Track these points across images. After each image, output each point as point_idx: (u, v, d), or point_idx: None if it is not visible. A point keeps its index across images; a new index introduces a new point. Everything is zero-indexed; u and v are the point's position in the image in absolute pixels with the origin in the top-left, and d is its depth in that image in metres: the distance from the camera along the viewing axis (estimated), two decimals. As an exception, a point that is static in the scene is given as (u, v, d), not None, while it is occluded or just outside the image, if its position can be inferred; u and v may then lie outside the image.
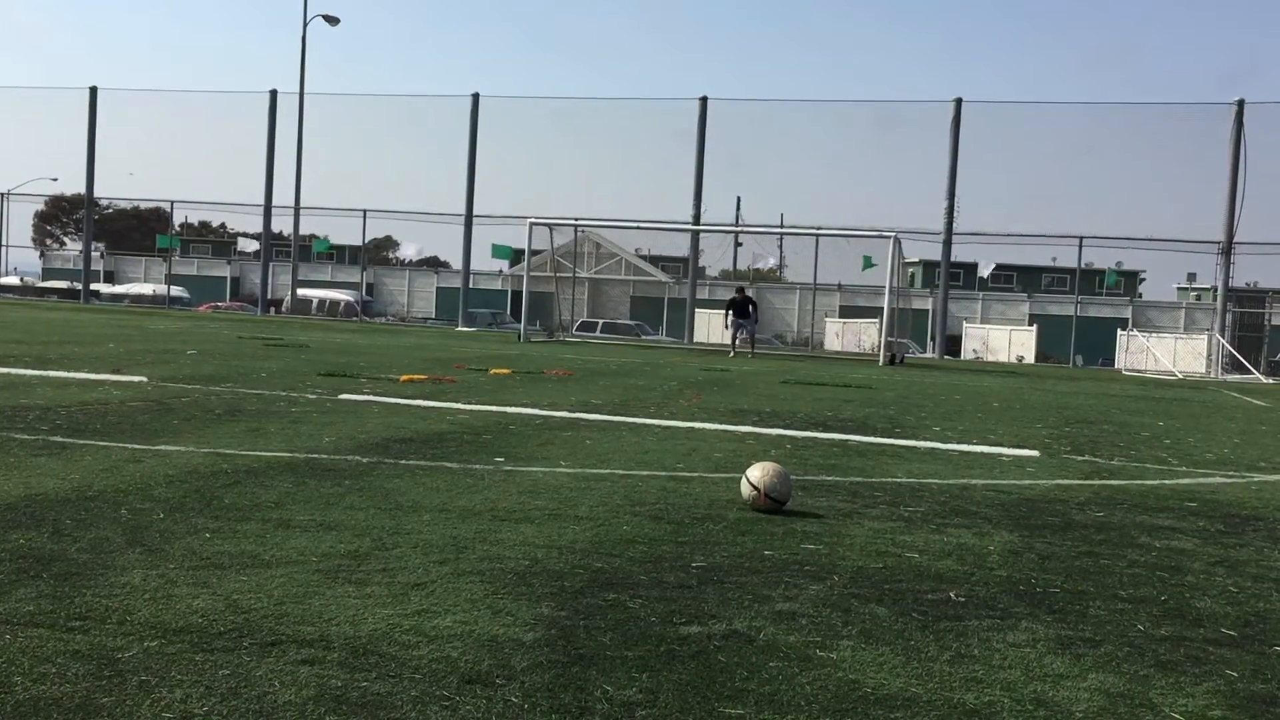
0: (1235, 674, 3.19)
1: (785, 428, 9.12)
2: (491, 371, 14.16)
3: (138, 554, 3.80)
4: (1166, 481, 7.14)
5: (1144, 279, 57.88)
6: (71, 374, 10.26)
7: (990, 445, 8.62)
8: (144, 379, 10.16)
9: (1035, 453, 8.30)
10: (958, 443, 8.63)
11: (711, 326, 40.74)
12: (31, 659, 2.73)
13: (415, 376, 12.17)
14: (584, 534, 4.51)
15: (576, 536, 4.46)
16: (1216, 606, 3.94)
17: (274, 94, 39.82)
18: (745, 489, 5.25)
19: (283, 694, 2.60)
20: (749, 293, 27.36)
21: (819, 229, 33.92)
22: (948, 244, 33.82)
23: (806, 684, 2.88)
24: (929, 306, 41.68)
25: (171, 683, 2.63)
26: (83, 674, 2.65)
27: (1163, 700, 2.93)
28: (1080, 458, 8.17)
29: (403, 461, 6.12)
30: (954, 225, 33.44)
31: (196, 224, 79.31)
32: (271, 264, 43.02)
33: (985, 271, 37.68)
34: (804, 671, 2.98)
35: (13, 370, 10.38)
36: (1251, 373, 30.02)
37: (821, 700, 2.77)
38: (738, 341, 26.40)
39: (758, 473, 5.26)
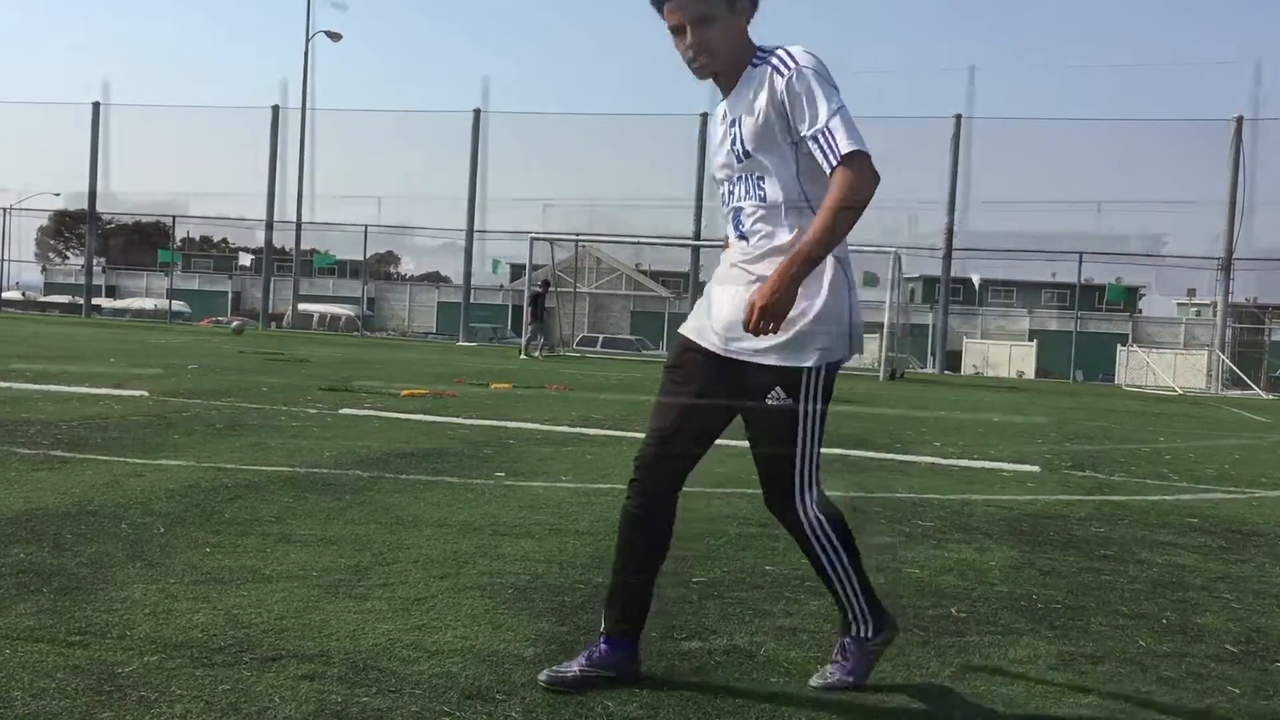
0: (1237, 690, 3.18)
1: (786, 443, 9.10)
2: (492, 386, 14.16)
3: (138, 568, 3.79)
4: (1167, 497, 7.13)
5: (1144, 294, 57.83)
6: (73, 388, 10.26)
7: (991, 461, 8.61)
8: (145, 393, 10.16)
9: (1036, 468, 8.29)
10: (958, 458, 8.62)
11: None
12: (31, 673, 2.72)
13: (416, 391, 12.17)
14: (585, 549, 4.51)
15: (577, 551, 4.46)
16: (1218, 623, 3.93)
17: (276, 109, 39.93)
18: None
19: (283, 709, 2.59)
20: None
21: (819, 244, 33.84)
22: (948, 259, 33.87)
23: (808, 700, 2.88)
24: (929, 322, 41.70)
25: (171, 697, 2.62)
26: (82, 689, 2.64)
27: (1165, 717, 2.93)
28: (1081, 473, 8.17)
29: (403, 476, 6.12)
30: (954, 241, 33.48)
31: (198, 239, 79.45)
32: (273, 279, 43.05)
33: (977, 281, 37.84)
34: (805, 687, 2.97)
35: (14, 384, 10.39)
36: (1252, 388, 30.02)
37: (823, 716, 2.77)
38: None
39: None
